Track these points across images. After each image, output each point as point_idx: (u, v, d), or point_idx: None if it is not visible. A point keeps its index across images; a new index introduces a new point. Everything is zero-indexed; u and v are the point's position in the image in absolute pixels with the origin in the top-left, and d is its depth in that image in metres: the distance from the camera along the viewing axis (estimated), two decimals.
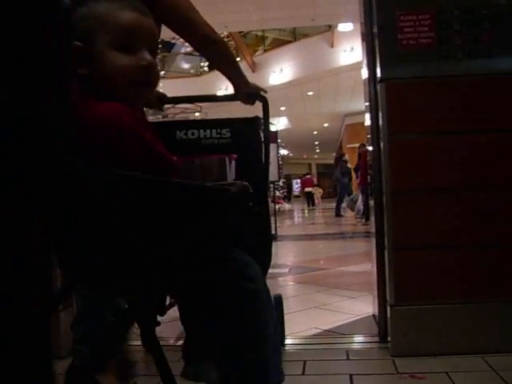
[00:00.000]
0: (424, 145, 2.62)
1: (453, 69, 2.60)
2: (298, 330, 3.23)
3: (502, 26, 2.61)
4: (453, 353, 2.55)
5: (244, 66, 21.25)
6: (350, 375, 2.38)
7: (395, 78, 2.62)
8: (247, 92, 2.47)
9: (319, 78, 19.67)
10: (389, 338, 2.68)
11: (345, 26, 16.20)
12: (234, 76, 2.43)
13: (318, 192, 30.87)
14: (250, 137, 2.40)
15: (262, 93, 2.51)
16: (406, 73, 2.61)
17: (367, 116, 2.85)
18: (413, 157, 2.62)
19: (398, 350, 2.61)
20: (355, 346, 2.83)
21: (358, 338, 2.94)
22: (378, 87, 2.66)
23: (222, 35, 23.66)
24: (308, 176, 33.88)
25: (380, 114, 2.66)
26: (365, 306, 3.49)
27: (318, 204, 30.06)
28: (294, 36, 22.01)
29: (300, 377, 2.42)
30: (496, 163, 2.60)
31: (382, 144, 2.66)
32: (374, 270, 2.84)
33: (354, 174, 15.86)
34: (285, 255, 7.58)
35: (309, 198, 30.31)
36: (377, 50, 2.66)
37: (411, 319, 2.61)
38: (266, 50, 23.01)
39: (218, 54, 2.32)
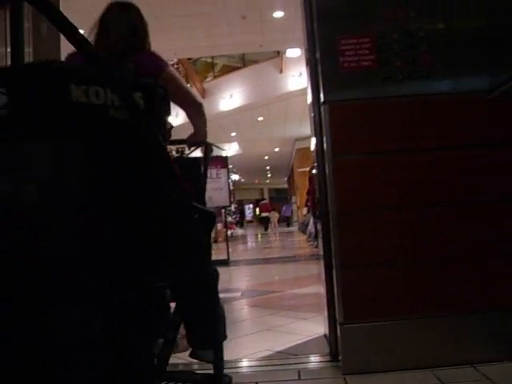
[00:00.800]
0: (367, 165, 2.68)
1: (393, 90, 2.67)
2: (250, 352, 3.23)
3: (440, 48, 2.70)
4: (403, 368, 2.59)
5: (194, 93, 21.33)
6: None
7: (338, 100, 2.67)
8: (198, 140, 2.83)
9: (269, 104, 19.79)
10: (340, 357, 2.71)
11: (293, 52, 16.36)
12: (200, 128, 2.81)
13: (274, 216, 31.11)
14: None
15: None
16: (348, 95, 2.67)
17: (313, 139, 2.89)
18: (356, 177, 2.67)
19: (349, 367, 2.64)
20: (307, 365, 2.84)
21: (310, 358, 2.95)
22: (322, 109, 2.71)
23: (171, 62, 23.70)
24: (265, 201, 34.37)
25: (324, 136, 2.71)
26: (316, 327, 3.51)
27: (275, 228, 30.28)
28: (243, 62, 22.15)
29: None
30: (436, 181, 2.67)
31: (326, 165, 2.70)
32: (324, 290, 2.86)
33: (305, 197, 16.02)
34: (237, 279, 7.57)
35: (265, 223, 30.75)
36: (320, 74, 2.72)
37: (361, 337, 2.64)
38: (215, 77, 23.07)
39: (199, 113, 2.74)
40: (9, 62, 2.69)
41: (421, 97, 2.68)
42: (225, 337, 2.38)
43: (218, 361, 2.03)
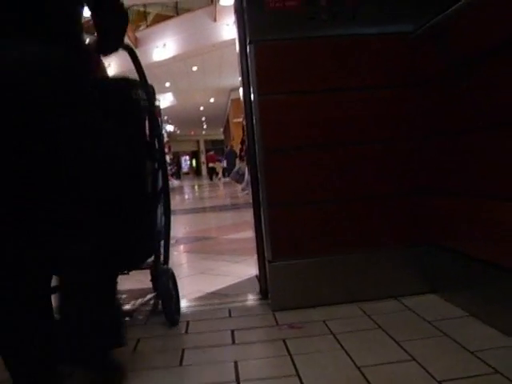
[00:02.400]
0: (293, 104, 2.70)
1: (318, 30, 2.67)
2: (182, 294, 3.26)
3: None
4: (330, 303, 2.68)
5: (126, 42, 20.84)
6: (232, 330, 2.45)
7: (263, 40, 2.66)
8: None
9: (203, 53, 19.55)
10: (269, 294, 2.77)
11: (227, 0, 16.15)
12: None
13: (219, 167, 31.40)
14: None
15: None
16: (274, 34, 2.66)
17: (240, 79, 2.88)
18: (282, 116, 2.69)
19: (278, 304, 2.71)
20: (237, 304, 2.90)
21: (241, 297, 3.01)
22: (248, 49, 2.70)
23: None
24: (211, 153, 35.69)
25: (250, 76, 2.71)
26: (248, 269, 3.57)
27: (219, 178, 30.79)
28: (176, 11, 21.74)
29: (183, 335, 2.47)
30: (361, 120, 2.72)
31: (253, 105, 2.71)
32: (253, 230, 2.91)
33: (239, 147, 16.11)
34: (173, 228, 7.56)
35: (211, 173, 33.20)
36: (245, 14, 2.70)
37: (289, 274, 2.71)
38: (148, 26, 22.60)
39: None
40: None
41: (346, 37, 2.69)
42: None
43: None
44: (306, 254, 2.72)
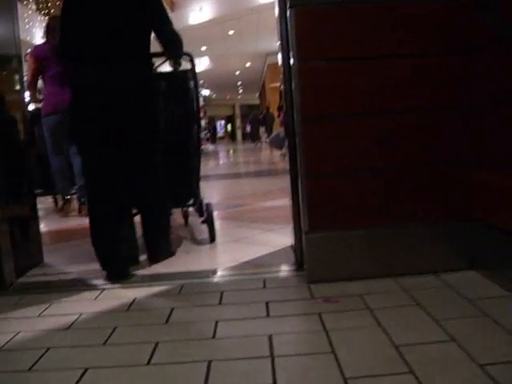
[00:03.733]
0: (333, 71, 2.61)
1: None
2: (216, 262, 3.25)
3: None
4: (367, 277, 2.62)
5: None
6: (266, 302, 2.41)
7: (304, 4, 2.57)
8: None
9: (240, 17, 19.38)
10: (305, 266, 2.72)
11: None
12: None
13: (261, 131, 31.16)
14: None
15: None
16: None
17: (279, 45, 2.80)
18: (321, 82, 2.60)
19: (313, 276, 2.66)
20: (272, 275, 2.86)
21: (276, 268, 2.97)
22: (288, 13, 2.61)
23: None
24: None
25: (290, 41, 2.63)
26: (283, 238, 3.51)
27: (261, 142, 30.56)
28: None
29: (217, 307, 2.44)
30: (404, 89, 2.63)
31: (292, 71, 2.63)
32: (290, 200, 2.86)
33: (276, 113, 15.97)
34: (207, 194, 7.55)
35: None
36: None
37: (326, 246, 2.66)
38: None
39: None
40: None
41: (389, 1, 2.59)
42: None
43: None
44: (343, 225, 2.66)
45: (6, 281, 2.93)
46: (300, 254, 2.80)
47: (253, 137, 32.70)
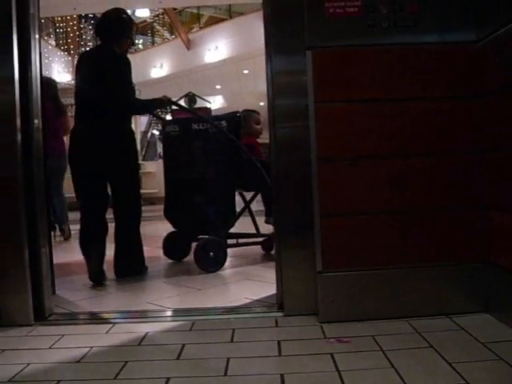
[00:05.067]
0: (350, 112, 2.64)
1: (379, 38, 2.62)
2: (228, 300, 3.24)
3: None
4: (379, 318, 2.62)
5: (179, 44, 21.03)
6: (278, 341, 2.40)
7: (322, 46, 2.62)
8: None
9: (255, 56, 19.55)
10: (318, 306, 2.71)
11: None
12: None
13: None
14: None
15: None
16: (333, 41, 2.62)
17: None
18: (338, 124, 2.64)
19: (326, 316, 2.65)
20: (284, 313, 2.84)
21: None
22: (306, 55, 2.65)
23: (156, 11, 23.29)
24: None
25: (307, 82, 2.66)
26: None
27: None
28: (229, 14, 21.85)
29: (228, 344, 2.43)
30: (419, 131, 2.65)
31: (309, 112, 2.66)
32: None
33: None
34: None
35: None
36: (304, 19, 2.66)
37: (339, 285, 2.66)
38: (201, 28, 22.76)
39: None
40: None
41: (406, 46, 2.64)
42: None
43: None
44: (355, 265, 2.66)
45: (46, 310, 2.92)
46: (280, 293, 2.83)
47: None
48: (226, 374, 2.06)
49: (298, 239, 2.78)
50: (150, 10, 23.26)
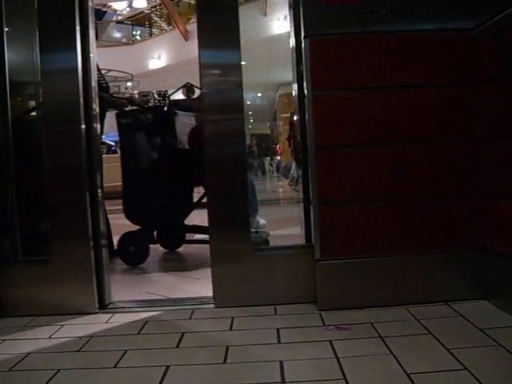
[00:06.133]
0: (346, 100, 2.64)
1: (376, 25, 2.61)
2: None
3: None
4: (378, 305, 2.63)
5: (177, 35, 20.95)
6: (277, 329, 2.41)
7: (318, 34, 2.62)
8: None
9: (252, 47, 19.52)
10: (317, 294, 2.72)
11: None
12: None
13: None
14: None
15: None
16: (330, 29, 2.61)
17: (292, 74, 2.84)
18: (335, 112, 2.64)
19: (325, 304, 2.66)
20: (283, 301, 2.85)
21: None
22: (303, 43, 2.65)
23: (154, 2, 23.20)
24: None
25: (304, 70, 2.66)
26: None
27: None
28: None
29: (227, 332, 2.44)
30: (417, 118, 2.66)
31: (306, 99, 2.66)
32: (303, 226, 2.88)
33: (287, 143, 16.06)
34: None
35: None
36: (301, 6, 2.65)
37: (337, 273, 2.66)
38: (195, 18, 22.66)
39: None
40: None
41: (403, 33, 2.63)
42: None
43: None
44: (354, 253, 2.67)
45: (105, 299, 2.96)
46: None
47: None
48: (225, 362, 2.07)
49: None
50: (148, 0, 23.22)
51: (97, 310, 2.84)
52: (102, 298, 2.90)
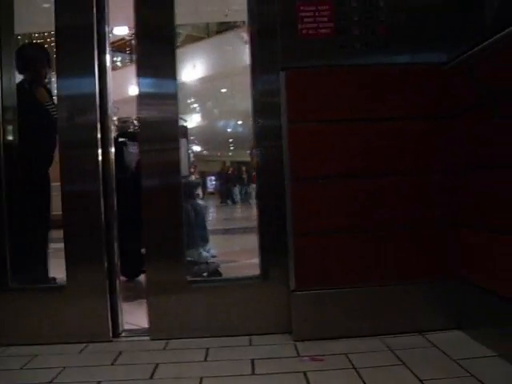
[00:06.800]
0: (322, 132, 2.68)
1: (350, 59, 2.67)
2: None
3: (398, 19, 2.70)
4: (353, 336, 2.63)
5: None
6: (252, 360, 2.41)
7: (295, 67, 2.66)
8: None
9: (233, 75, 19.63)
10: (292, 324, 2.72)
11: None
12: None
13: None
14: None
15: None
16: (306, 62, 2.66)
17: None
18: (311, 144, 2.67)
19: (299, 334, 2.66)
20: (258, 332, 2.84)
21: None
22: (280, 75, 2.69)
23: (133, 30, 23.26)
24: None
25: (281, 102, 2.70)
26: None
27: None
28: (207, 32, 21.90)
29: (202, 363, 2.43)
30: (390, 151, 2.69)
31: (282, 132, 2.70)
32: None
33: None
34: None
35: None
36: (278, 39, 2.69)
37: (312, 304, 2.67)
38: (178, 47, 22.77)
39: None
40: None
41: (378, 66, 2.68)
42: None
43: None
44: (329, 284, 2.68)
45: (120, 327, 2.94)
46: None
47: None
48: None
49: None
50: (129, 27, 23.31)
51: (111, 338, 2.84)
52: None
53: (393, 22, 2.69)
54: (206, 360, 2.47)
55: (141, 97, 2.89)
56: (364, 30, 2.67)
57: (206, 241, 4.59)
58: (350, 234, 2.69)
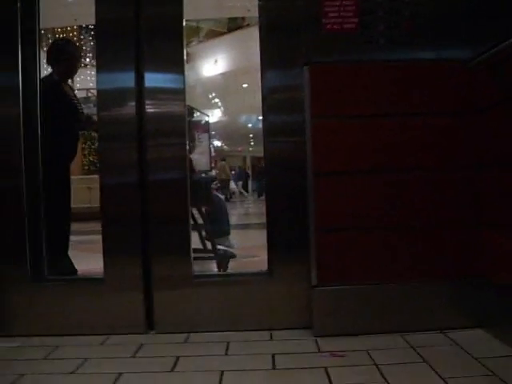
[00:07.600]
0: (345, 128, 2.67)
1: (375, 54, 2.66)
2: None
3: (423, 15, 2.67)
4: (374, 332, 2.62)
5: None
6: (273, 355, 2.40)
7: (319, 62, 2.65)
8: None
9: (254, 71, 19.59)
10: (313, 320, 2.72)
11: None
12: None
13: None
14: None
15: None
16: (330, 57, 2.65)
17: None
18: (334, 139, 2.66)
19: (320, 330, 2.66)
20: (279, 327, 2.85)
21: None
22: (303, 70, 2.68)
23: None
24: None
25: (304, 97, 2.69)
26: None
27: None
28: (228, 27, 21.88)
29: (222, 357, 2.44)
30: (412, 147, 2.68)
31: (306, 127, 2.69)
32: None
33: None
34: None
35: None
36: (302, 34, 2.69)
37: (334, 300, 2.66)
38: (200, 41, 22.79)
39: None
40: None
41: (402, 62, 2.66)
42: None
43: None
44: (351, 280, 2.67)
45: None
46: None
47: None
48: None
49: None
50: None
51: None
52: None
53: (418, 18, 2.67)
54: (226, 354, 2.47)
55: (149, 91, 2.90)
56: (389, 26, 2.65)
57: (227, 233, 4.73)
58: (373, 230, 2.68)
